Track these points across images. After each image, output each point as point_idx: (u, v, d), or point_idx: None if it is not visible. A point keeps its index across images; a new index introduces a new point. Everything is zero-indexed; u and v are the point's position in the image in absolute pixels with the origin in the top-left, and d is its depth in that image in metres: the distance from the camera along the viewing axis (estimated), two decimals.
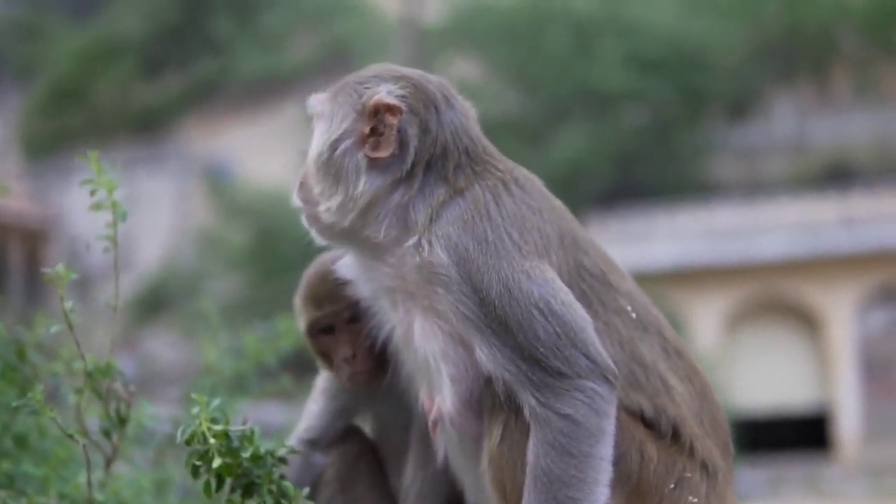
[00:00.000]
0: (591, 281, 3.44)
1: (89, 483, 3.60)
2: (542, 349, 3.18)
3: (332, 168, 3.37)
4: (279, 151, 45.69)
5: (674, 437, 3.39)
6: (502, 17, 41.92)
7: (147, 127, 54.16)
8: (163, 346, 41.24)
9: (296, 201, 3.44)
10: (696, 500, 3.35)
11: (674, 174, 40.41)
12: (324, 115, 3.42)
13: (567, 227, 3.49)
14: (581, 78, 39.86)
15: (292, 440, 3.79)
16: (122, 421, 3.76)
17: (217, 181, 48.50)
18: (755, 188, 39.65)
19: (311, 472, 3.78)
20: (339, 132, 3.37)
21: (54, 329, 3.75)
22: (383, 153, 3.33)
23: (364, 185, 3.33)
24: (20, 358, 4.31)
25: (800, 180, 40.36)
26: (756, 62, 42.59)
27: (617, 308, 3.44)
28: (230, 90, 54.04)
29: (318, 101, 3.45)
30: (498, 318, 3.20)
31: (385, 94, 3.35)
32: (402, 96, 3.37)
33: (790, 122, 43.14)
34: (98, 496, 3.66)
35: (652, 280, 34.08)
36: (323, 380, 3.85)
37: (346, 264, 3.57)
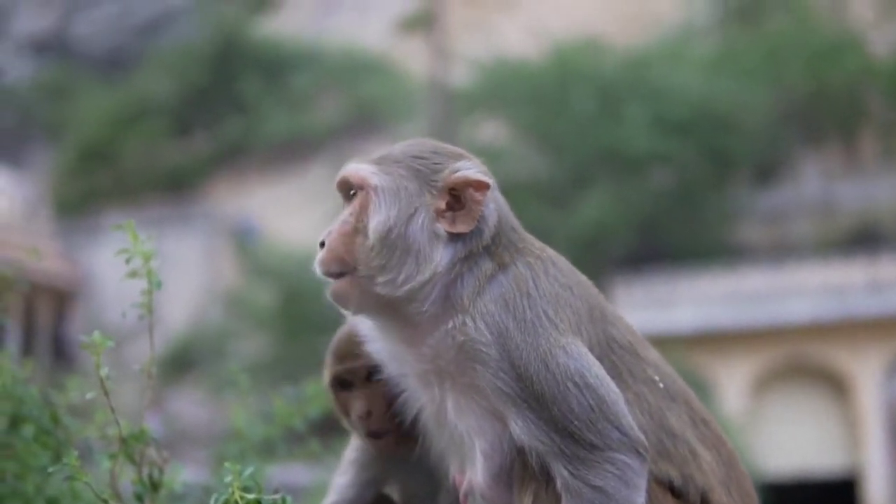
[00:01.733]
0: (620, 353, 3.49)
1: None
2: (576, 422, 3.23)
3: (404, 241, 3.35)
4: (305, 211, 45.93)
5: None
6: (529, 80, 42.06)
7: (175, 187, 54.50)
8: (189, 406, 41.26)
9: (324, 269, 3.40)
10: None
11: (699, 237, 40.34)
12: (384, 189, 3.40)
13: (595, 301, 3.54)
14: (607, 141, 39.91)
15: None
16: (154, 486, 3.80)
17: (244, 241, 48.68)
18: (782, 251, 39.55)
19: None
20: (414, 206, 3.38)
21: (89, 396, 3.80)
22: (464, 228, 3.37)
23: (439, 259, 3.36)
24: (53, 422, 4.36)
25: (827, 243, 40.25)
26: (782, 125, 42.64)
27: (645, 378, 3.50)
28: (257, 151, 54.37)
29: (367, 172, 3.43)
30: (534, 391, 3.24)
31: (472, 170, 3.39)
32: (485, 173, 3.44)
33: (817, 184, 43.09)
34: None
35: (677, 344, 34.09)
36: (352, 451, 3.88)
37: (369, 331, 3.58)
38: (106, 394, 3.62)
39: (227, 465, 3.22)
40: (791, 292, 35.21)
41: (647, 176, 41.45)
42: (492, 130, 41.75)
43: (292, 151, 53.35)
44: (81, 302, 49.22)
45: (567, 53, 42.58)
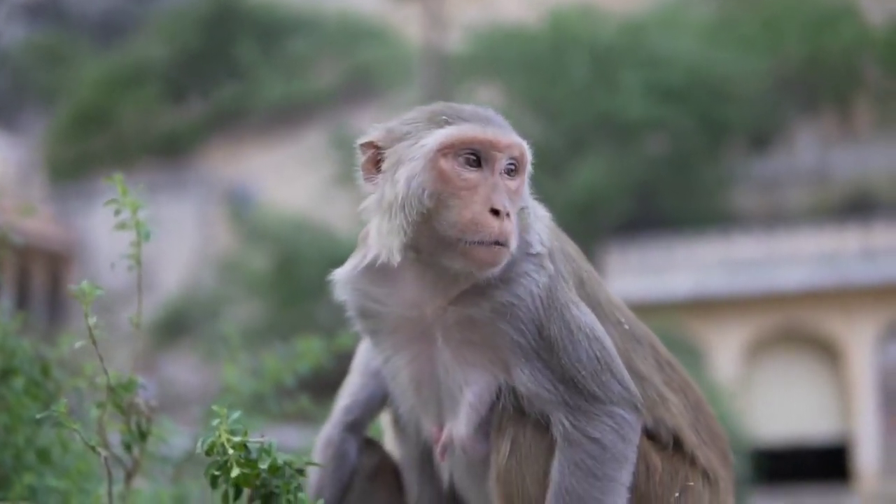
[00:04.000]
0: (589, 291, 3.57)
1: (110, 495, 3.67)
2: (582, 371, 3.35)
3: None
4: (301, 177, 45.92)
5: (675, 447, 3.54)
6: (524, 47, 41.95)
7: (170, 152, 54.41)
8: (183, 370, 41.34)
9: (509, 243, 3.32)
10: None
11: (694, 204, 40.33)
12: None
13: (568, 245, 3.70)
14: (602, 107, 39.85)
15: (331, 424, 3.90)
16: (142, 435, 3.84)
17: (239, 206, 48.63)
18: (776, 219, 39.57)
19: (346, 466, 3.86)
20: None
21: (78, 345, 3.83)
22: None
23: None
24: (44, 374, 4.41)
25: (821, 211, 40.27)
26: (778, 93, 42.57)
27: (614, 320, 3.57)
28: (253, 116, 54.25)
29: (528, 152, 3.54)
30: (550, 341, 3.36)
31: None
32: None
33: (812, 152, 43.08)
34: None
35: (671, 310, 34.22)
36: (360, 357, 3.94)
37: (370, 286, 3.58)
38: (94, 343, 3.65)
39: (214, 407, 3.27)
40: (785, 259, 35.27)
41: (643, 142, 41.42)
42: (487, 96, 41.57)
43: (288, 117, 53.24)
44: (76, 265, 49.22)
45: (563, 19, 42.46)
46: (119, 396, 3.79)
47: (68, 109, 57.41)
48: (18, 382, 4.40)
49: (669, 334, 34.33)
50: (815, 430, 34.98)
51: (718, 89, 40.44)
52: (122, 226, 3.76)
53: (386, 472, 3.88)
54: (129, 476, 3.90)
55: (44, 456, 4.31)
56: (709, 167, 41.22)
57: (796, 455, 34.74)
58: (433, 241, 3.32)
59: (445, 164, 3.31)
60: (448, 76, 39.48)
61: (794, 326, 35.16)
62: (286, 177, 48.52)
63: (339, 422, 3.89)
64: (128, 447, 3.87)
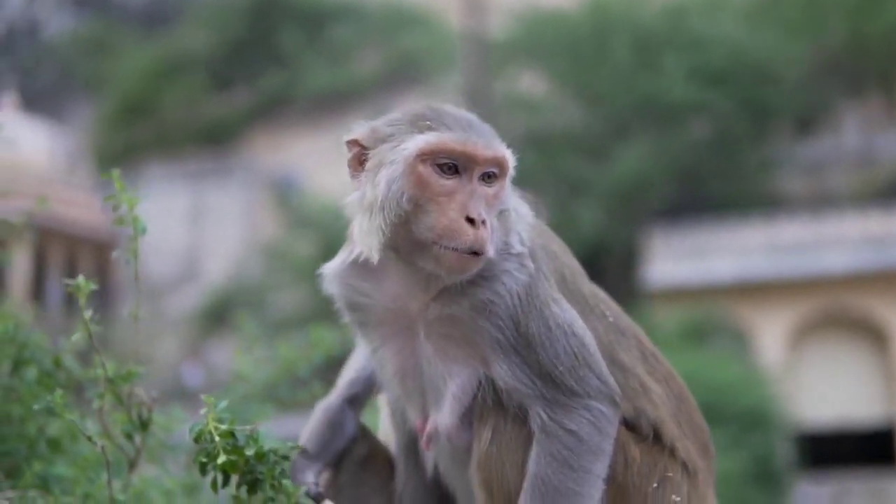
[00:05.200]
0: (573, 287, 3.63)
1: (109, 483, 3.76)
2: (560, 367, 3.41)
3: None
4: (344, 164, 46.03)
5: (655, 438, 3.60)
6: (566, 31, 41.84)
7: (215, 140, 54.71)
8: (229, 357, 41.61)
9: (485, 251, 3.37)
10: (678, 498, 3.54)
11: (738, 188, 40.13)
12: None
13: (552, 243, 3.79)
14: (645, 91, 39.70)
15: (332, 394, 4.01)
16: (144, 425, 3.93)
17: (284, 194, 48.83)
18: (821, 202, 39.32)
19: (341, 433, 3.93)
20: None
21: (75, 337, 3.91)
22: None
23: None
24: (56, 365, 4.50)
25: (866, 194, 39.98)
26: (822, 75, 42.24)
27: (598, 313, 3.62)
28: (297, 103, 54.45)
29: (511, 158, 3.54)
30: (527, 337, 3.42)
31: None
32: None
33: (857, 135, 42.76)
34: (120, 496, 3.83)
35: (716, 295, 34.14)
36: None
37: (357, 281, 3.65)
38: (90, 335, 3.73)
39: (203, 397, 3.35)
40: (830, 243, 35.06)
41: (686, 126, 41.20)
42: (529, 82, 41.61)
43: (331, 104, 53.38)
44: (122, 253, 49.54)
45: (604, 3, 42.31)
46: (118, 387, 3.87)
47: (114, 99, 57.89)
48: (31, 373, 4.50)
49: (714, 319, 34.31)
50: (860, 414, 34.77)
51: (762, 72, 40.15)
52: (120, 221, 3.82)
53: (377, 459, 3.96)
54: (132, 464, 3.99)
55: (55, 445, 4.40)
56: (753, 151, 40.93)
57: (842, 439, 34.56)
58: (410, 242, 3.39)
59: (424, 170, 3.37)
60: (489, 62, 39.47)
61: (840, 310, 34.95)
62: (330, 164, 48.58)
63: (339, 394, 4.00)
64: (129, 437, 3.96)
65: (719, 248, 36.19)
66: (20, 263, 43.39)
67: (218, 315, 44.20)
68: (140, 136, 54.90)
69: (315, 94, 53.84)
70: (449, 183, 3.37)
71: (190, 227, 49.58)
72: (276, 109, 54.70)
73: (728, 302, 34.76)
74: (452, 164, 3.39)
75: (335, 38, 55.60)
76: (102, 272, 50.01)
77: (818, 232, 35.66)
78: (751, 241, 36.11)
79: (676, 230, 37.18)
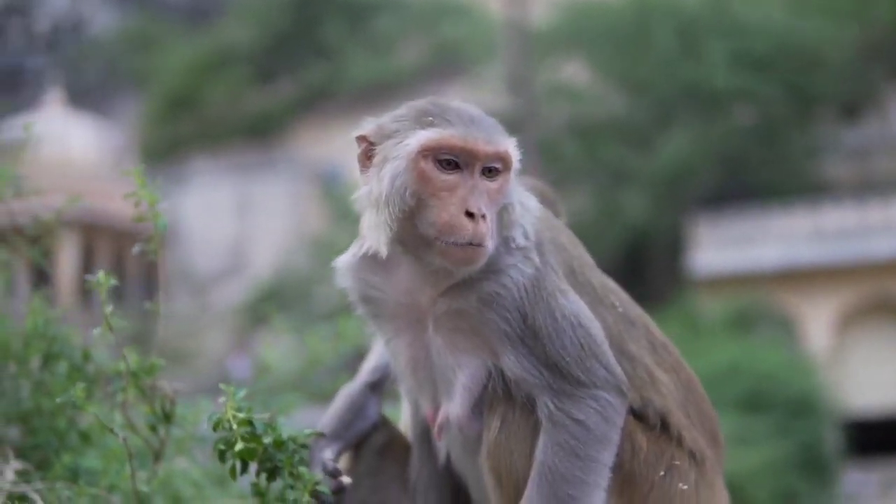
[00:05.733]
0: (581, 279, 3.67)
1: (132, 474, 3.84)
2: (567, 358, 3.46)
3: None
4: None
5: (662, 427, 3.64)
6: (608, 19, 41.68)
7: (259, 133, 54.88)
8: (292, 351, 41.68)
9: (485, 243, 3.42)
10: (685, 486, 3.58)
11: (784, 175, 39.86)
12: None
13: (553, 234, 3.78)
14: (688, 78, 39.51)
15: (356, 381, 4.10)
16: (167, 417, 4.01)
17: (328, 185, 48.92)
18: (866, 188, 38.99)
19: (362, 416, 4.02)
20: None
21: (96, 331, 3.98)
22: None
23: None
24: (85, 359, 4.59)
25: None
26: (867, 60, 41.87)
27: (607, 304, 3.66)
28: (340, 95, 54.51)
29: (516, 153, 3.59)
30: (534, 329, 3.47)
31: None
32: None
33: None
34: (144, 487, 3.91)
35: (762, 282, 33.99)
36: None
37: (375, 269, 3.71)
38: (110, 329, 3.80)
39: (222, 386, 3.42)
40: (876, 229, 34.84)
41: (730, 113, 41.00)
42: (571, 71, 41.53)
43: (375, 95, 53.34)
44: (169, 247, 49.90)
45: None
46: (140, 380, 3.94)
47: (160, 94, 58.21)
48: (62, 367, 4.59)
49: (759, 306, 34.18)
50: None
51: (806, 57, 39.86)
52: (140, 218, 3.89)
53: (395, 447, 4.03)
54: (156, 456, 4.07)
55: (85, 438, 4.49)
56: (797, 137, 40.67)
57: (890, 426, 34.33)
58: (416, 237, 3.45)
59: (426, 166, 3.43)
60: (531, 51, 39.40)
61: (886, 296, 34.74)
62: None
63: (361, 380, 4.09)
64: (153, 429, 4.04)
65: (764, 236, 36.04)
66: (68, 258, 43.72)
67: (265, 307, 44.37)
68: (185, 130, 55.18)
69: (358, 86, 53.88)
70: (450, 178, 3.42)
71: (235, 221, 49.81)
72: (320, 101, 54.81)
73: (773, 289, 34.63)
74: (454, 160, 3.43)
75: (377, 30, 55.63)
76: (149, 266, 50.34)
77: (864, 218, 35.44)
78: (796, 227, 35.94)
79: (721, 218, 37.04)
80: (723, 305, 33.65)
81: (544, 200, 4.10)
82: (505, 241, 3.51)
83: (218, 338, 42.46)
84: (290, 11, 56.80)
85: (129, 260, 49.80)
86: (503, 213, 3.51)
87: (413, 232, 3.45)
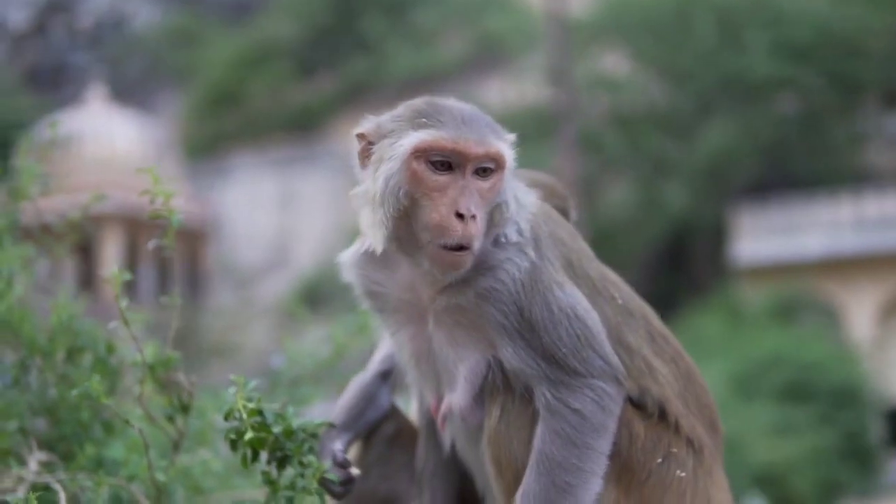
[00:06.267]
0: (580, 271, 3.74)
1: (149, 465, 3.95)
2: (563, 349, 3.54)
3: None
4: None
5: (660, 415, 3.71)
6: (648, 9, 41.61)
7: (301, 127, 55.10)
8: (319, 342, 41.91)
9: (471, 245, 3.49)
10: (683, 473, 3.66)
11: (826, 163, 39.70)
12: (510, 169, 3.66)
13: (560, 229, 3.85)
14: (729, 68, 39.38)
15: (368, 372, 4.18)
16: (184, 408, 4.11)
17: None
18: None
19: (374, 405, 4.12)
20: None
21: (112, 325, 4.09)
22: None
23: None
24: (109, 352, 4.70)
25: None
26: None
27: (607, 296, 3.73)
28: (382, 88, 54.58)
29: (508, 154, 3.62)
30: (531, 322, 3.55)
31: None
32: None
33: None
34: (161, 477, 4.02)
35: (804, 271, 33.88)
36: None
37: (378, 267, 3.79)
38: (126, 324, 3.90)
39: (232, 377, 3.53)
40: None
41: (772, 102, 40.86)
42: (612, 62, 41.49)
43: (417, 88, 53.33)
44: (212, 241, 50.25)
45: None
46: (157, 373, 4.05)
47: (202, 89, 58.56)
48: (86, 360, 4.71)
49: (802, 295, 34.08)
50: None
51: (847, 45, 39.63)
52: (156, 214, 3.98)
53: (405, 436, 4.12)
54: (175, 446, 4.18)
55: (108, 428, 4.60)
56: (840, 125, 40.47)
57: None
58: (410, 237, 3.53)
59: (418, 167, 3.49)
60: (572, 43, 39.35)
61: None
62: None
63: (372, 370, 4.18)
64: (170, 420, 4.14)
65: (807, 225, 35.94)
66: (112, 253, 44.11)
67: (307, 301, 44.56)
68: (227, 124, 55.51)
69: (400, 79, 53.97)
70: (442, 179, 3.49)
71: (278, 214, 50.09)
72: (362, 95, 54.90)
73: (816, 278, 34.54)
74: (446, 161, 3.50)
75: (419, 23, 55.72)
76: (193, 260, 50.75)
77: None
78: (839, 216, 35.82)
79: (764, 207, 36.95)
80: (766, 295, 33.60)
81: (555, 197, 4.18)
82: (497, 238, 3.59)
83: (261, 331, 42.72)
84: (331, 5, 56.98)
85: (174, 254, 50.14)
86: (496, 211, 3.57)
87: (408, 231, 3.52)
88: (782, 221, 36.31)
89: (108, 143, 47.89)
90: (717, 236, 38.40)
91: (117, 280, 3.81)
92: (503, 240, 3.60)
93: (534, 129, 38.43)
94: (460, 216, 3.43)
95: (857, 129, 41.34)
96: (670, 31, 40.73)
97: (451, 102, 3.65)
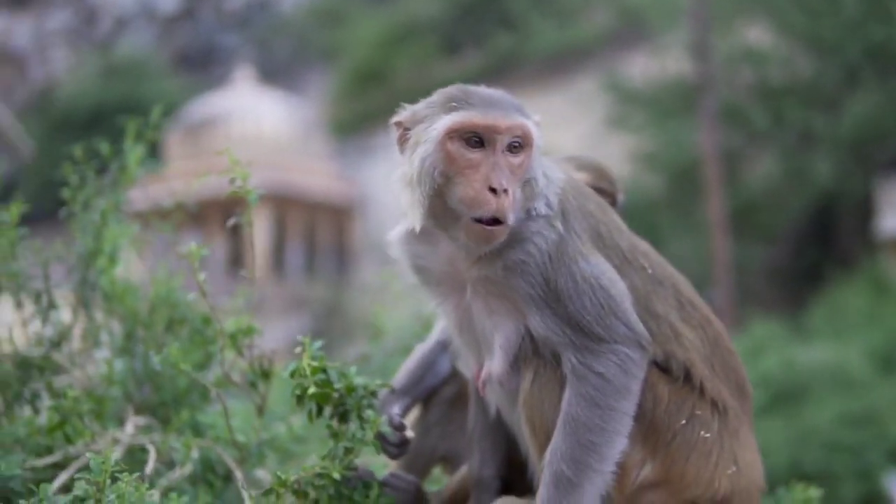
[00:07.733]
0: (609, 242, 4.03)
1: (228, 426, 4.29)
2: (587, 317, 3.81)
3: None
4: (572, 123, 46.21)
5: (685, 379, 3.95)
6: None
7: None
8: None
9: (507, 218, 3.76)
10: (708, 434, 3.91)
11: None
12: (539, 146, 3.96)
13: (589, 203, 4.11)
14: (876, 39, 38.59)
15: (430, 340, 4.53)
16: (265, 374, 4.45)
17: None
18: None
19: (433, 371, 4.48)
20: None
21: (191, 296, 4.43)
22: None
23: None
24: (205, 323, 5.05)
25: None
26: None
27: (637, 266, 3.97)
28: (527, 64, 54.76)
29: (536, 131, 3.92)
30: (556, 292, 3.83)
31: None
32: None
33: None
34: (242, 439, 4.37)
35: None
36: None
37: (421, 242, 4.07)
38: (204, 295, 4.22)
39: (299, 337, 3.85)
40: None
41: None
42: (755, 34, 40.98)
43: (560, 63, 53.55)
44: (359, 219, 50.93)
45: None
46: (238, 341, 4.38)
47: (348, 68, 59.34)
48: (185, 331, 5.08)
49: None
50: None
51: None
52: (235, 192, 4.29)
53: (464, 399, 4.41)
54: (259, 410, 4.52)
55: (204, 395, 4.96)
56: None
57: None
58: (446, 213, 3.83)
59: (451, 146, 3.79)
60: (715, 16, 38.98)
61: None
62: (558, 122, 48.85)
63: (433, 338, 4.53)
64: (253, 385, 4.48)
65: None
66: (261, 232, 45.00)
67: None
68: (374, 103, 56.00)
69: (544, 55, 54.10)
70: (475, 156, 3.78)
71: None
72: (506, 71, 55.03)
73: None
74: (477, 139, 3.78)
75: None
76: (340, 238, 51.51)
77: None
78: None
79: None
80: None
81: (604, 180, 4.44)
82: (528, 212, 3.85)
83: (406, 308, 43.17)
84: None
85: (320, 232, 50.98)
86: (527, 187, 3.84)
87: (444, 208, 3.81)
88: None
89: (255, 123, 48.89)
90: (863, 209, 37.80)
91: (196, 255, 4.12)
92: (533, 213, 3.86)
93: (676, 104, 38.29)
94: (493, 191, 3.71)
95: None
96: (815, 2, 40.08)
97: (480, 88, 3.97)
